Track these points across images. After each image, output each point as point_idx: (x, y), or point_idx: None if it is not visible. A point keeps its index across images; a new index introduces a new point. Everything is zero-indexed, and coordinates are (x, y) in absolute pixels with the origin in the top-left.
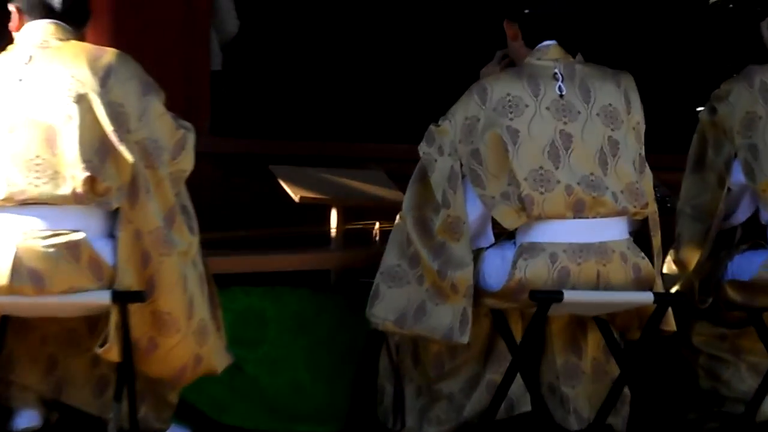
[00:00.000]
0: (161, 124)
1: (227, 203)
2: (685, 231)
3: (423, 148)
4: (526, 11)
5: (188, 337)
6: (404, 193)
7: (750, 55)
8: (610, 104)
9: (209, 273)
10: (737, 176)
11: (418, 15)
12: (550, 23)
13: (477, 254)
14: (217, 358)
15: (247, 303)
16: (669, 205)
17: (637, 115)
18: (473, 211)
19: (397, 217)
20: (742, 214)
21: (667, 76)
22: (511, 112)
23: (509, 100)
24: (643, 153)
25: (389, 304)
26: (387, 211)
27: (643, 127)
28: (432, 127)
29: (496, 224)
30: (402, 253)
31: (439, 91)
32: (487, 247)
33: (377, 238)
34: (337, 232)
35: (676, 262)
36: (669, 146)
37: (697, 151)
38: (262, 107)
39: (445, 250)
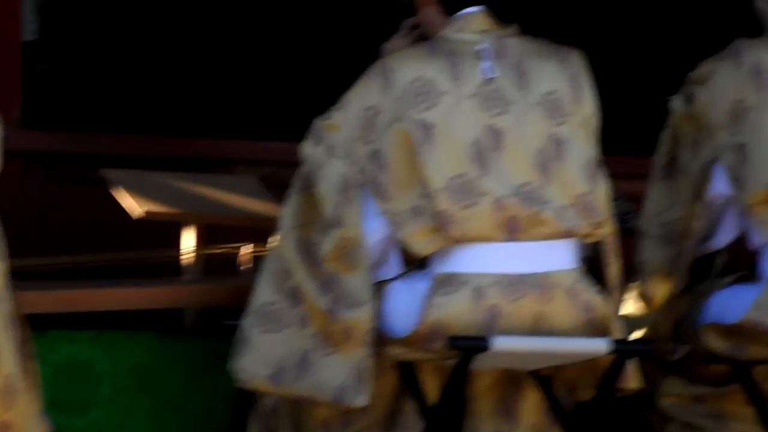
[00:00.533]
0: None
1: (45, 218)
2: (652, 257)
3: (307, 149)
4: None
5: None
6: (282, 206)
7: (739, 27)
8: (553, 91)
9: (20, 313)
10: (720, 185)
11: None
12: None
13: (379, 289)
14: (30, 425)
15: (72, 353)
16: (630, 224)
17: (589, 106)
18: (374, 231)
19: (273, 239)
20: (725, 236)
21: (629, 55)
22: (423, 102)
23: (420, 86)
24: (596, 155)
25: (262, 355)
26: (260, 230)
27: (597, 122)
28: (319, 120)
29: (405, 249)
30: (279, 286)
31: (327, 73)
32: (393, 280)
33: (247, 266)
34: (194, 258)
35: (639, 298)
36: (631, 146)
37: (667, 152)
38: (91, 92)
39: (336, 284)
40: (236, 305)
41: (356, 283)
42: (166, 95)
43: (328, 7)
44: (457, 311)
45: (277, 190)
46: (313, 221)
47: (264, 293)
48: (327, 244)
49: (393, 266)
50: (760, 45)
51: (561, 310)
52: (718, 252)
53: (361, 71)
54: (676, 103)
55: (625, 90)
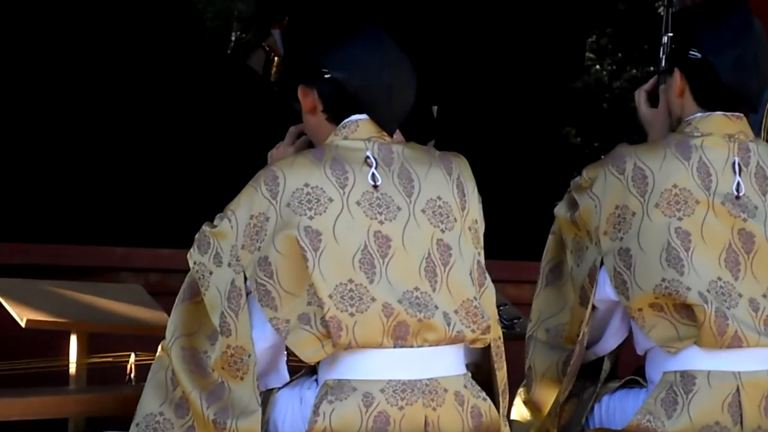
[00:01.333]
0: None
1: None
2: (539, 362)
3: (194, 257)
4: (327, 75)
5: None
6: (169, 314)
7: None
8: (439, 197)
9: None
10: (605, 290)
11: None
12: (361, 93)
13: (267, 397)
14: None
15: None
16: (517, 328)
17: (475, 211)
18: (262, 339)
19: (159, 347)
20: (612, 341)
21: (509, 158)
22: (310, 209)
23: (308, 193)
24: (482, 260)
25: None
26: (146, 339)
27: (482, 227)
28: (205, 227)
29: (293, 356)
30: (165, 396)
31: (213, 180)
32: (281, 387)
33: (133, 375)
34: (78, 367)
35: (527, 403)
36: (515, 251)
37: (552, 257)
38: None
39: (223, 393)
40: (122, 414)
41: (244, 392)
42: (50, 202)
43: (212, 114)
44: (345, 419)
45: (163, 298)
46: (200, 330)
47: (149, 404)
48: (214, 353)
49: (282, 374)
50: (643, 150)
51: (449, 417)
52: (604, 357)
53: (247, 177)
54: (560, 209)
55: (508, 194)
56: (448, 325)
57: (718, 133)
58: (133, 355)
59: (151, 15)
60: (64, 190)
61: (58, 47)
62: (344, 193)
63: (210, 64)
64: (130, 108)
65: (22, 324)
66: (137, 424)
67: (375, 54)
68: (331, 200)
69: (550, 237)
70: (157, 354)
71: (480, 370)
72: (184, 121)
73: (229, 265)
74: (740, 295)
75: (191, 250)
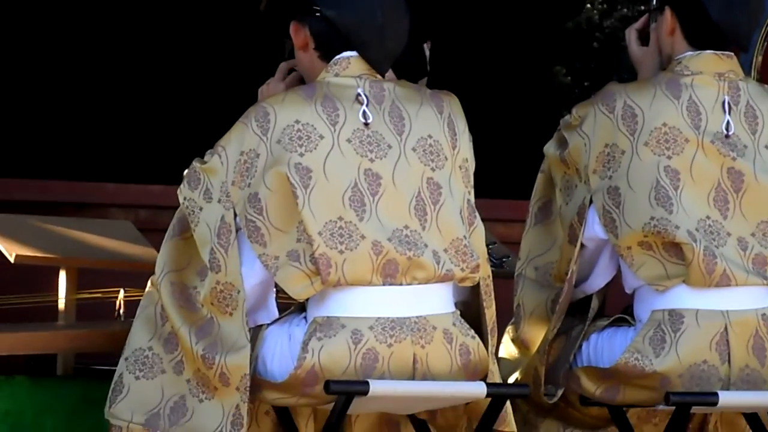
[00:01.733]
0: None
1: None
2: (527, 301)
3: (184, 192)
4: (319, 12)
5: None
6: (158, 250)
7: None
8: (429, 136)
9: None
10: (594, 229)
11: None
12: (352, 29)
13: (256, 333)
14: None
15: None
16: (506, 267)
17: (465, 150)
18: (251, 275)
19: (149, 283)
20: (600, 279)
21: (499, 97)
22: (301, 146)
23: (298, 130)
24: (472, 199)
25: (137, 401)
26: (135, 275)
27: (472, 166)
28: (195, 163)
29: (282, 293)
30: (154, 331)
31: (202, 116)
32: (270, 324)
33: (122, 311)
34: (67, 303)
35: (515, 341)
36: (505, 190)
37: (541, 196)
38: None
39: (212, 329)
40: (111, 350)
41: (233, 328)
42: (40, 139)
43: (202, 51)
44: (334, 355)
45: (152, 234)
46: (189, 266)
47: (138, 339)
48: (204, 289)
49: (271, 310)
50: (633, 88)
51: (438, 354)
52: (592, 295)
53: (237, 113)
54: (550, 148)
55: (497, 132)
56: (438, 263)
57: (708, 71)
58: (122, 291)
59: None
60: (56, 127)
61: None
62: (335, 131)
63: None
64: (119, 45)
65: (11, 259)
66: (126, 358)
67: None
68: (321, 137)
69: (540, 175)
70: (147, 289)
71: (469, 308)
72: (173, 58)
73: (219, 201)
74: (729, 234)
75: (181, 185)
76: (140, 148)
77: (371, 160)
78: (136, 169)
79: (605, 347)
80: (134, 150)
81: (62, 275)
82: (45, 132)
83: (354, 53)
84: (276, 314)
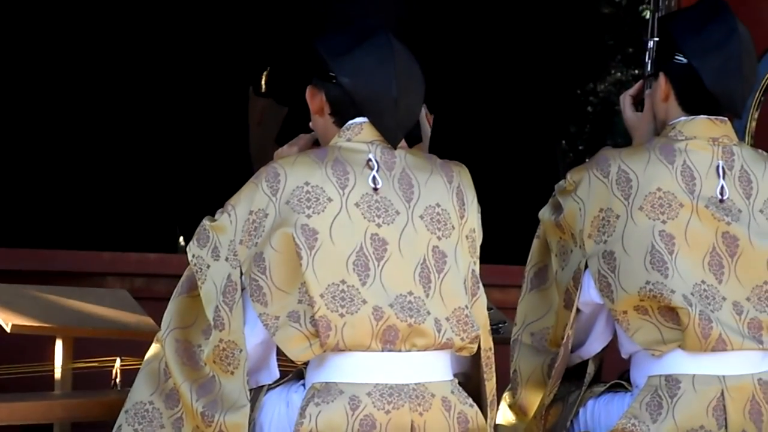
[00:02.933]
0: None
1: None
2: (524, 366)
3: (192, 250)
4: (335, 80)
5: None
6: (154, 319)
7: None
8: (438, 204)
9: None
10: (589, 293)
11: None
12: (365, 98)
13: (255, 397)
14: None
15: None
16: (502, 332)
17: (473, 221)
18: (253, 335)
19: (154, 340)
20: (596, 344)
21: (498, 165)
22: (309, 207)
23: (307, 191)
24: (477, 270)
25: None
26: (131, 344)
27: (479, 237)
28: (205, 221)
29: (282, 357)
30: (156, 386)
31: (210, 177)
32: (268, 390)
33: (118, 380)
34: (63, 372)
35: (512, 407)
36: (501, 255)
37: (537, 261)
38: None
39: (214, 387)
40: (108, 419)
41: (234, 386)
42: (36, 208)
43: (198, 120)
44: (331, 421)
45: (148, 302)
46: (195, 323)
47: (140, 392)
48: (207, 347)
49: (272, 371)
50: (627, 153)
51: (436, 422)
52: (588, 360)
53: (248, 174)
54: (545, 213)
55: (494, 198)
56: (439, 331)
57: (702, 136)
58: (118, 360)
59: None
60: (52, 198)
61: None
62: (344, 194)
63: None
64: (116, 113)
65: (7, 329)
66: (126, 411)
67: (384, 64)
68: (330, 200)
69: (535, 241)
70: (152, 345)
71: (469, 380)
72: (170, 129)
73: (227, 259)
74: (724, 299)
75: (190, 243)
76: (135, 217)
77: (378, 225)
78: (130, 236)
79: (602, 413)
80: (130, 219)
81: (58, 344)
82: (40, 203)
83: (365, 119)
84: (277, 375)
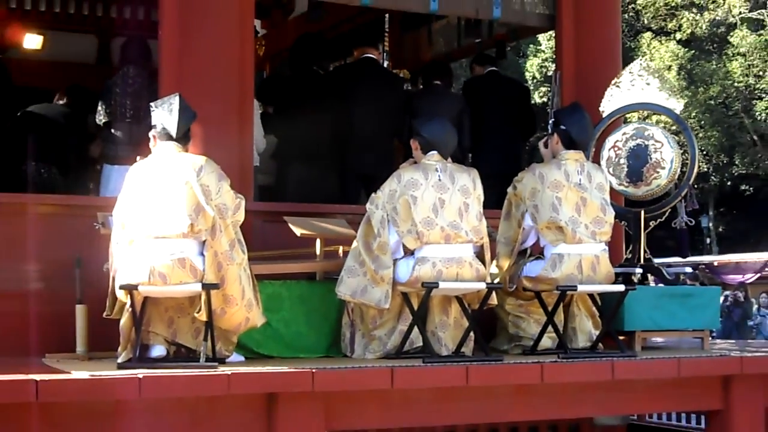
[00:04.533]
0: (228, 196)
1: (262, 237)
2: (501, 251)
3: (368, 205)
4: (423, 135)
5: (242, 308)
6: (356, 230)
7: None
8: (465, 185)
9: (253, 274)
10: (527, 221)
11: None
12: (434, 143)
13: (394, 262)
14: (258, 319)
15: (273, 289)
16: (493, 236)
17: (479, 191)
18: (393, 239)
19: (354, 242)
20: (530, 241)
21: (493, 171)
22: (413, 187)
23: (412, 180)
24: (482, 211)
25: (348, 286)
26: (347, 240)
27: (482, 197)
28: (372, 194)
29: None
30: (356, 259)
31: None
32: (399, 258)
33: (341, 254)
34: (320, 252)
35: (497, 266)
36: (493, 206)
37: (507, 208)
38: (279, 191)
39: (378, 259)
40: (337, 270)
41: (386, 259)
42: (304, 181)
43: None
44: (425, 272)
45: (353, 225)
46: (369, 234)
47: (349, 262)
48: (375, 244)
49: (400, 252)
50: (542, 165)
51: (467, 272)
52: (527, 248)
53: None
54: (510, 189)
55: (491, 183)
56: (467, 235)
57: (572, 158)
58: (341, 247)
59: None
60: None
61: None
62: (427, 181)
63: None
64: None
65: (299, 234)
66: (344, 269)
67: (442, 129)
68: (421, 184)
69: (506, 200)
70: (353, 245)
71: (480, 254)
72: None
73: (381, 209)
74: (581, 223)
75: (367, 203)
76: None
77: (441, 194)
78: (349, 197)
79: (533, 267)
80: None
81: (318, 241)
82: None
83: (434, 152)
84: (402, 254)
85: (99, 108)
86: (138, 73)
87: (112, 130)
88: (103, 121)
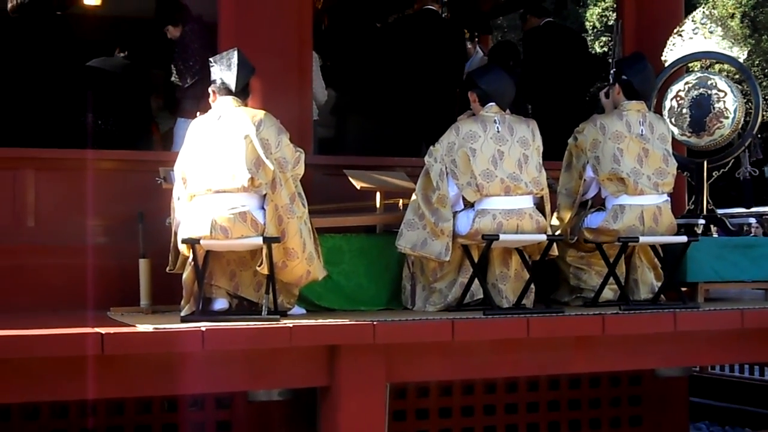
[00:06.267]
0: (287, 150)
1: (322, 191)
2: (562, 202)
3: (426, 158)
4: (481, 87)
5: (303, 261)
6: (416, 183)
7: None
8: (524, 136)
9: (313, 227)
10: (589, 172)
11: None
12: (492, 94)
13: (454, 215)
14: (319, 272)
15: (333, 242)
16: (554, 188)
17: (538, 142)
18: (452, 191)
19: (413, 195)
20: (591, 193)
21: (553, 122)
22: (472, 139)
23: (471, 133)
24: (541, 161)
25: (408, 239)
26: (406, 193)
27: (541, 149)
28: (431, 147)
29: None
30: (415, 213)
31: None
32: (459, 211)
33: (401, 207)
34: (380, 205)
35: (558, 218)
36: (553, 157)
37: (567, 159)
38: (338, 144)
39: (437, 212)
40: (397, 223)
41: (446, 212)
42: (349, 138)
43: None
44: (485, 224)
45: (413, 177)
46: (428, 187)
47: (409, 215)
48: (434, 197)
49: (460, 205)
50: (603, 116)
51: (527, 224)
52: (588, 199)
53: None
54: (571, 140)
55: (552, 134)
56: (527, 187)
57: (633, 109)
58: (401, 200)
59: None
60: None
61: None
62: (486, 134)
63: None
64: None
65: (359, 188)
66: (404, 223)
67: (499, 79)
68: (480, 137)
69: (567, 151)
70: (412, 198)
71: (540, 206)
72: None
73: (440, 161)
74: (644, 174)
75: (426, 156)
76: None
77: (500, 146)
78: (410, 151)
79: (594, 219)
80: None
81: (378, 194)
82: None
83: (493, 103)
84: (462, 206)
85: (172, 68)
86: (203, 27)
87: (185, 85)
88: (177, 80)
